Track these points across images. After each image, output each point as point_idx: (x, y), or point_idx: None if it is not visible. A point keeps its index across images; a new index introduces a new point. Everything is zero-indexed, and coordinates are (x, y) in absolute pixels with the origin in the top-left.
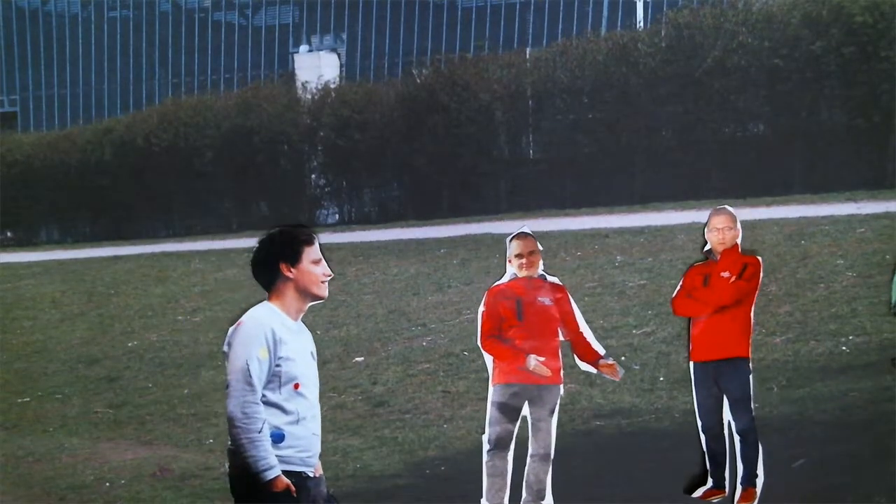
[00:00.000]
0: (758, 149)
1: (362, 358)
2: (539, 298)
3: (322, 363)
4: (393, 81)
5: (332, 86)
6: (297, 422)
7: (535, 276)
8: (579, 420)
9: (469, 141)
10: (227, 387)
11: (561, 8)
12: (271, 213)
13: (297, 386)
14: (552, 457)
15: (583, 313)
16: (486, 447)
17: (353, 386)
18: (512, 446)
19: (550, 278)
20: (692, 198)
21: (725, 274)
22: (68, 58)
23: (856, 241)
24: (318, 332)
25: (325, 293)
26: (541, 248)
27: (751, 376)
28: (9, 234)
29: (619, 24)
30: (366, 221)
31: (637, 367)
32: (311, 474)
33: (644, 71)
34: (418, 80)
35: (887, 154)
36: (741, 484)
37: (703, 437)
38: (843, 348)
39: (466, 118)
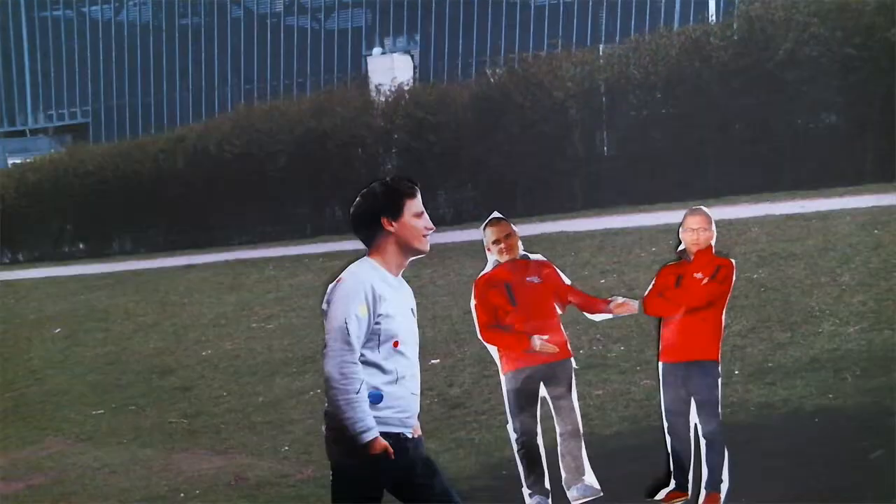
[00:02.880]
0: (830, 140)
1: (438, 360)
2: (528, 279)
3: None
4: (467, 82)
5: (406, 88)
6: (395, 381)
7: (518, 257)
8: (655, 416)
9: (543, 139)
10: (325, 346)
11: (633, 4)
12: (346, 217)
13: (396, 344)
14: (581, 431)
15: None
16: (513, 437)
17: (430, 388)
18: (539, 430)
19: (533, 256)
20: (765, 190)
21: (698, 275)
22: (139, 67)
23: None
24: None
25: (427, 247)
26: (515, 229)
27: (720, 380)
28: (81, 245)
29: (691, 18)
30: (440, 223)
31: None
32: (409, 435)
33: (716, 64)
34: (492, 80)
35: None
36: (705, 489)
37: (667, 438)
38: None
39: (540, 117)
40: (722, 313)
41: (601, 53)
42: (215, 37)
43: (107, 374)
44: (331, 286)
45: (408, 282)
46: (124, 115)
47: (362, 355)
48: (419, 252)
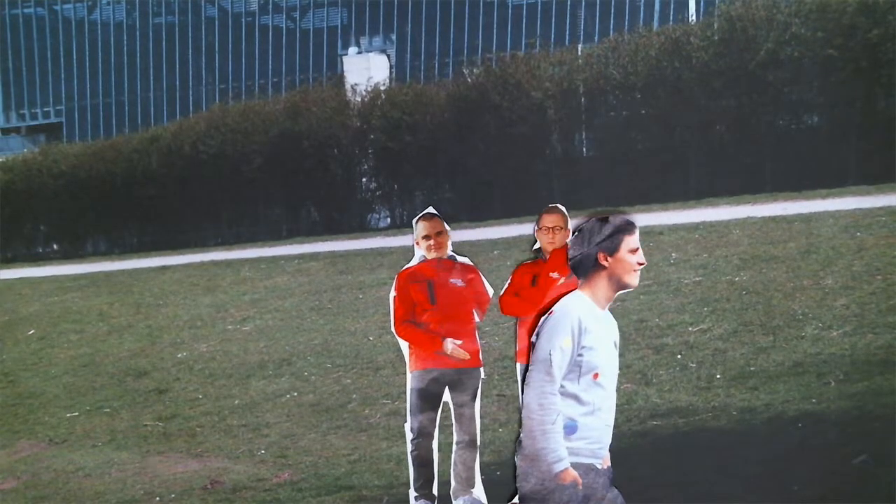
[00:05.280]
0: (812, 141)
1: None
2: (451, 280)
3: (376, 369)
4: (444, 82)
5: (382, 87)
6: (592, 413)
7: (445, 257)
8: (636, 420)
9: (521, 140)
10: (528, 374)
11: (612, 3)
12: (321, 218)
13: (596, 376)
14: (478, 443)
15: (638, 311)
16: (409, 436)
17: (403, 392)
18: (436, 434)
19: (461, 259)
20: (747, 192)
21: (554, 275)
22: (113, 66)
23: None
24: (371, 338)
25: (637, 282)
26: (448, 228)
27: None
28: (55, 245)
29: (671, 18)
30: None
31: (693, 366)
32: (599, 466)
33: (697, 65)
34: (469, 80)
35: None
36: None
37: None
38: None
39: (518, 117)
40: None
41: (580, 53)
42: (189, 36)
43: (81, 377)
44: (542, 319)
45: (382, 285)
46: (98, 114)
47: (562, 386)
48: (629, 286)
